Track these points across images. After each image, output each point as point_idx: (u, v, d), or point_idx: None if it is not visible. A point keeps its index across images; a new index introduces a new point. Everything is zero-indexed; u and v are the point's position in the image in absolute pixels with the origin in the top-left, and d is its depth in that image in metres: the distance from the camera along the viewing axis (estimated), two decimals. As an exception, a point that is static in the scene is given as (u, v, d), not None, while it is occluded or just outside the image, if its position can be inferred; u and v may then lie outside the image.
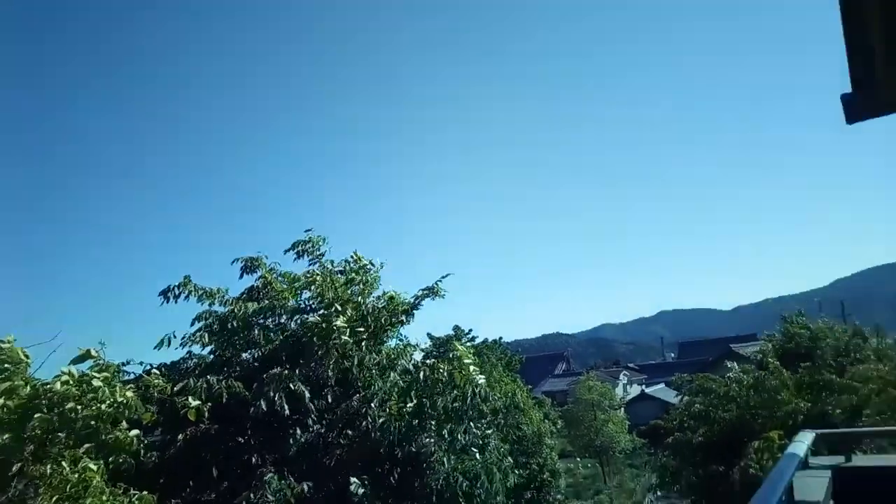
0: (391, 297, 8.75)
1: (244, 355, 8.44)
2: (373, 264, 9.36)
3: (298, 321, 8.51)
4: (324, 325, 7.87)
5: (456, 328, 26.44)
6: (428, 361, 8.47)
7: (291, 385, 7.26)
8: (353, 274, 9.08)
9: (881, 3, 2.50)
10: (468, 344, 25.95)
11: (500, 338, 28.33)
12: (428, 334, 27.46)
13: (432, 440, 7.67)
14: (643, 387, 60.13)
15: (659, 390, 52.32)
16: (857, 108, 3.14)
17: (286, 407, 7.18)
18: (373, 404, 7.69)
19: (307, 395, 7.40)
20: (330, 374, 7.82)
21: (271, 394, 7.06)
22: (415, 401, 7.90)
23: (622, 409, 38.60)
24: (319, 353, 7.88)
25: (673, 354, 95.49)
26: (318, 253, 9.13)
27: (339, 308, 8.24)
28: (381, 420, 7.50)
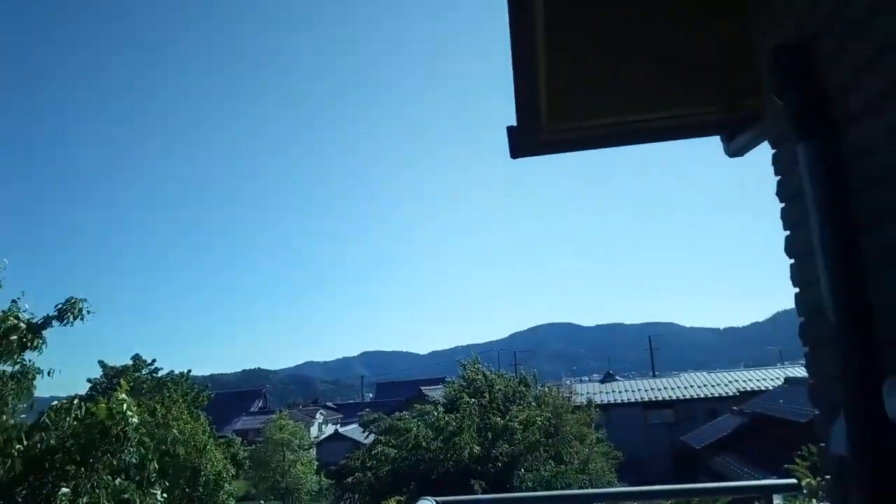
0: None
1: None
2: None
3: None
4: None
5: (136, 357, 23.42)
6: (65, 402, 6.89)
7: None
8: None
9: (546, 47, 2.51)
10: (148, 376, 23.14)
11: (189, 371, 25.87)
12: (100, 362, 23.89)
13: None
14: (338, 426, 60.68)
15: (353, 430, 53.07)
16: (519, 143, 3.20)
17: None
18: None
19: None
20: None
21: None
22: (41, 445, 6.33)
23: (313, 448, 38.04)
24: None
25: (371, 394, 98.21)
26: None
27: None
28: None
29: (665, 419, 35.49)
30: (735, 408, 29.58)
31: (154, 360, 23.61)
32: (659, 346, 70.42)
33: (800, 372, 38.54)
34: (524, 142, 3.27)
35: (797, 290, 2.23)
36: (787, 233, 2.33)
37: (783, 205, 2.33)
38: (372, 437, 21.23)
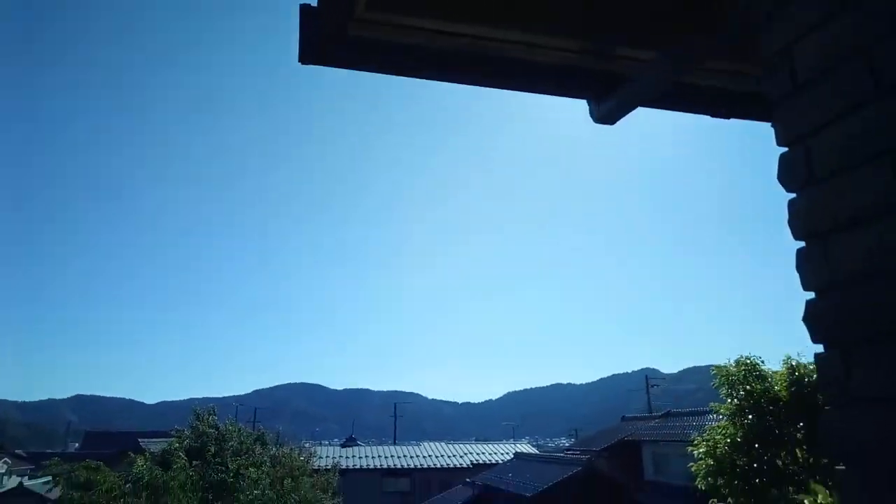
0: None
1: None
2: None
3: None
4: None
5: None
6: None
7: None
8: None
9: None
10: None
11: None
12: None
13: None
14: (25, 478, 50.47)
15: (41, 484, 44.32)
16: (317, 34, 2.07)
17: None
18: None
19: None
20: None
21: None
22: None
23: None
24: None
25: (77, 444, 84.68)
26: None
27: None
28: None
29: (401, 487, 35.24)
30: (468, 479, 30.19)
31: None
32: (402, 413, 71.41)
33: (528, 448, 41.17)
34: (325, 32, 2.15)
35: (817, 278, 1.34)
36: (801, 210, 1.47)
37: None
38: (58, 492, 17.48)
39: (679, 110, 2.70)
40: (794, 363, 11.79)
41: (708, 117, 2.80)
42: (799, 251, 1.36)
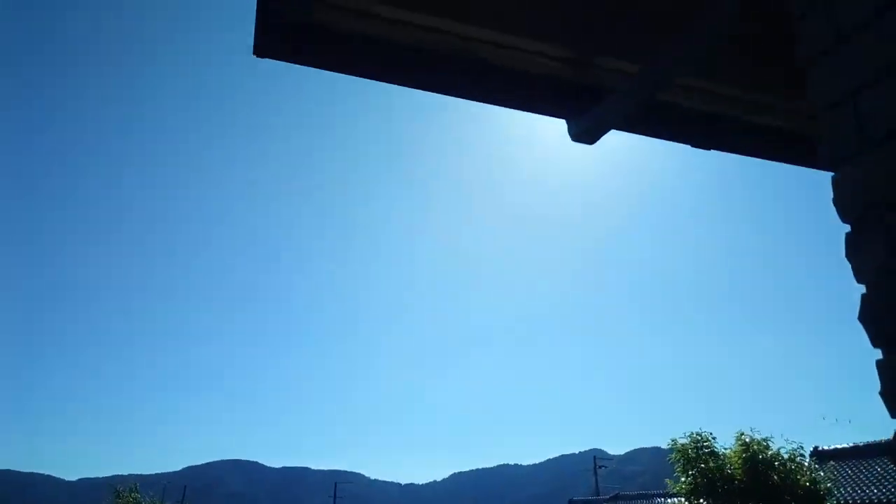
0: None
1: None
2: None
3: None
4: None
5: None
6: None
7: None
8: None
9: None
10: None
11: None
12: None
13: None
14: None
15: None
16: (276, 20, 1.79)
17: None
18: None
19: None
20: None
21: None
22: None
23: None
24: None
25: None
26: None
27: None
28: None
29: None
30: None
31: None
32: (343, 494, 68.34)
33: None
34: (287, 18, 1.88)
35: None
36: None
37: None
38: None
39: (656, 136, 2.52)
40: (747, 439, 11.73)
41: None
42: (848, 236, 1.11)
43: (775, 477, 11.09)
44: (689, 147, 2.59)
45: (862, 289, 1.08)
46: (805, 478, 11.80)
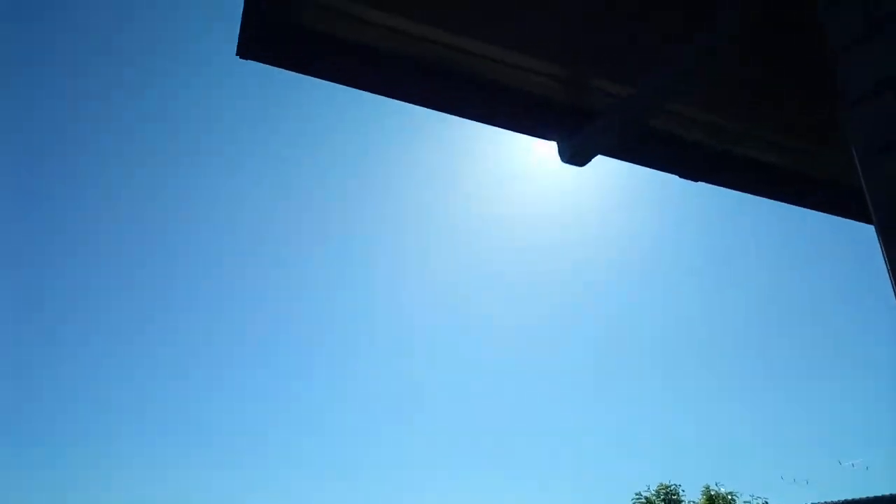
0: None
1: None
2: None
3: None
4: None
5: None
6: None
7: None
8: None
9: None
10: None
11: None
12: None
13: None
14: None
15: None
16: (262, 22, 1.70)
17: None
18: None
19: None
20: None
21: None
22: None
23: None
24: None
25: None
26: None
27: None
28: None
29: None
30: None
31: None
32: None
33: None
34: (272, 20, 1.80)
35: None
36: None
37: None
38: None
39: (644, 164, 2.48)
40: (713, 493, 11.70)
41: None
42: (885, 230, 1.04)
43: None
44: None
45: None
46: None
